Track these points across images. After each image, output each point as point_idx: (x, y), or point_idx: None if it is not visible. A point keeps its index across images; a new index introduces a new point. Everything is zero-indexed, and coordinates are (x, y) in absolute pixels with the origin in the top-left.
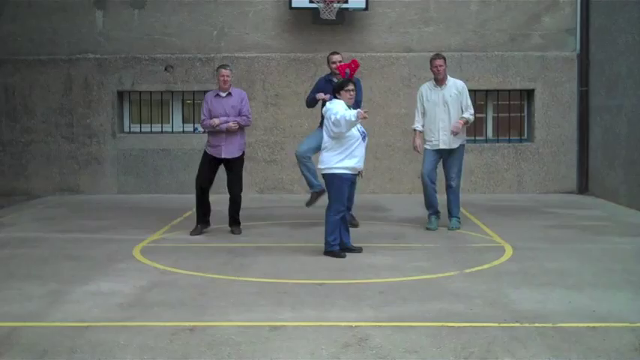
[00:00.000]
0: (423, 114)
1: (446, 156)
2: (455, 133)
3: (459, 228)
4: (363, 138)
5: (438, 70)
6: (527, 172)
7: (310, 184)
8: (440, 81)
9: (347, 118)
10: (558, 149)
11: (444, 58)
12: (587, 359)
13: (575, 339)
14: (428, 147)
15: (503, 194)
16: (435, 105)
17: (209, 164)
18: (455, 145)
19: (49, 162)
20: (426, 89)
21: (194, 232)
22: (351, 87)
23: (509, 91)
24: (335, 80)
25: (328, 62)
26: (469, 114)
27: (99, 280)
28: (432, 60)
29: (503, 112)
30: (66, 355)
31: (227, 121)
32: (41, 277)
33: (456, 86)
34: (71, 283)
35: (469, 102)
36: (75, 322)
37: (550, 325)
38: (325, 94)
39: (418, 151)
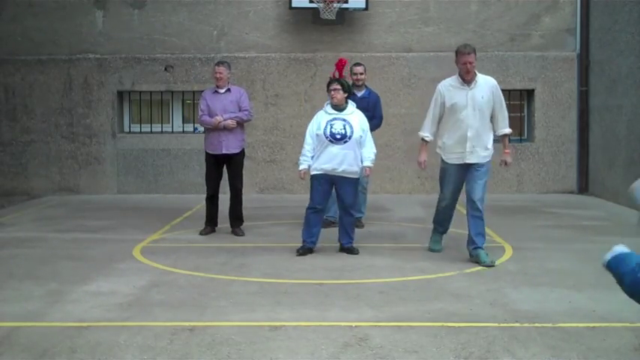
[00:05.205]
0: (437, 121)
1: (471, 170)
2: (509, 163)
3: (493, 264)
4: (339, 140)
5: (468, 69)
6: (527, 172)
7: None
8: (468, 79)
9: (301, 157)
10: (558, 149)
11: (475, 51)
12: (587, 359)
13: (575, 339)
14: (450, 162)
15: (503, 194)
16: (461, 108)
17: (214, 166)
18: (484, 160)
19: (49, 162)
20: (448, 89)
21: (204, 232)
22: (333, 87)
23: (509, 91)
24: (356, 92)
25: (350, 73)
26: (508, 128)
27: (99, 280)
28: (459, 54)
29: None
30: (66, 355)
31: (226, 119)
32: (41, 277)
33: (488, 85)
34: (71, 283)
35: (505, 108)
36: (75, 322)
37: (550, 325)
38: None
39: (422, 168)
